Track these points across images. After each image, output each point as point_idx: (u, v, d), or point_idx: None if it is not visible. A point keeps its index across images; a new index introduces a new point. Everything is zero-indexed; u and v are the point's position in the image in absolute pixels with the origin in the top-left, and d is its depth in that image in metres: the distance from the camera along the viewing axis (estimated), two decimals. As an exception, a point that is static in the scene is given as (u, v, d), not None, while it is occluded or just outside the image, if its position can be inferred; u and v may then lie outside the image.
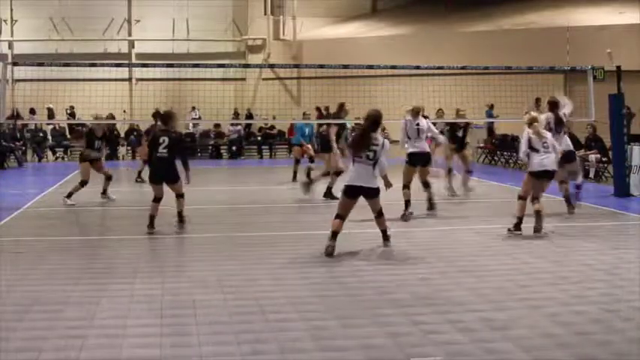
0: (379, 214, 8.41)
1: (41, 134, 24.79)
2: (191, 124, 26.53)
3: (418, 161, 11.05)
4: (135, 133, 25.83)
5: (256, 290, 6.54)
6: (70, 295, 6.36)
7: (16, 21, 28.05)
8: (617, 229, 10.32)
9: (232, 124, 25.36)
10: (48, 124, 25.17)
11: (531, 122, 9.73)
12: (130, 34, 28.60)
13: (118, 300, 6.21)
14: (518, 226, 9.39)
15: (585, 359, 4.81)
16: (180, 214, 9.94)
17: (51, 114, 23.99)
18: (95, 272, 7.29)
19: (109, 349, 4.97)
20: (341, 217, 8.19)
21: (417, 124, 11.12)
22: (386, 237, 8.53)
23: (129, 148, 25.84)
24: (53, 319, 5.66)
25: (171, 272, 7.30)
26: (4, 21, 28.00)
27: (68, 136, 25.88)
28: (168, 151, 9.54)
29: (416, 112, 11.27)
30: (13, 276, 7.10)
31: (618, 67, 13.64)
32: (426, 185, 11.19)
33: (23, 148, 23.24)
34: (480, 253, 8.29)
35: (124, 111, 25.84)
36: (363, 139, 8.18)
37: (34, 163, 23.66)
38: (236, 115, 26.03)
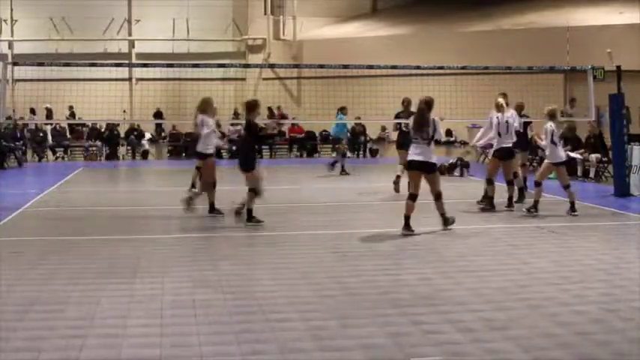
0: (437, 197, 9.49)
1: (41, 134, 24.80)
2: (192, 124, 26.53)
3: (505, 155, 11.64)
4: (135, 133, 25.86)
5: (256, 290, 6.54)
6: (70, 295, 6.36)
7: (16, 21, 28.03)
8: (617, 229, 10.32)
9: (232, 124, 25.35)
10: (47, 124, 25.18)
11: (554, 114, 11.16)
12: (130, 34, 28.57)
13: (118, 300, 6.21)
14: (535, 208, 10.92)
15: (585, 359, 4.81)
16: (248, 211, 10.06)
17: (49, 114, 24.00)
18: (95, 272, 7.29)
19: (109, 349, 4.97)
20: (412, 196, 9.34)
21: (507, 120, 11.58)
22: (445, 220, 9.54)
23: (129, 147, 25.86)
24: (53, 319, 5.66)
25: (172, 272, 7.30)
26: (4, 21, 27.98)
27: (69, 136, 25.91)
28: (242, 140, 10.23)
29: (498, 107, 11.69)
30: (13, 276, 7.10)
31: (618, 67, 13.64)
32: (510, 183, 11.70)
33: (23, 148, 23.24)
34: (480, 253, 8.29)
35: (124, 111, 25.85)
36: (421, 120, 9.43)
37: (34, 163, 23.67)
38: (236, 115, 26.05)
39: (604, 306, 5.97)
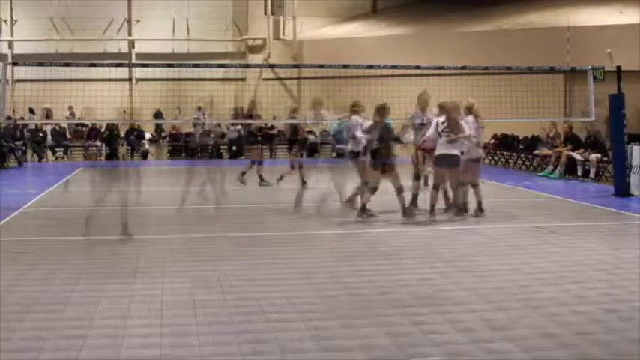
0: (456, 189, 10.52)
1: (41, 134, 24.80)
2: (192, 124, 26.56)
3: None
4: (135, 133, 25.84)
5: (256, 290, 6.54)
6: (70, 295, 6.36)
7: (16, 21, 28.04)
8: (617, 229, 10.32)
9: (233, 124, 25.31)
10: (46, 124, 25.18)
11: (472, 108, 11.01)
12: (130, 34, 28.58)
13: (118, 300, 6.21)
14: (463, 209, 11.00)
15: (585, 359, 4.81)
16: (403, 207, 10.61)
17: (49, 114, 24.00)
18: (95, 272, 7.29)
19: (109, 349, 4.97)
20: (436, 187, 10.53)
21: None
22: (458, 210, 10.53)
23: (129, 148, 25.84)
24: (53, 319, 5.66)
25: (172, 272, 7.30)
26: (4, 21, 27.99)
27: (69, 136, 25.90)
28: (379, 141, 10.57)
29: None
30: (13, 276, 7.10)
31: (618, 67, 13.63)
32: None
33: (23, 148, 23.22)
34: (480, 253, 8.29)
35: (124, 111, 25.83)
36: (450, 121, 10.42)
37: (34, 163, 23.66)
38: (235, 115, 26.00)
39: (604, 306, 5.98)
